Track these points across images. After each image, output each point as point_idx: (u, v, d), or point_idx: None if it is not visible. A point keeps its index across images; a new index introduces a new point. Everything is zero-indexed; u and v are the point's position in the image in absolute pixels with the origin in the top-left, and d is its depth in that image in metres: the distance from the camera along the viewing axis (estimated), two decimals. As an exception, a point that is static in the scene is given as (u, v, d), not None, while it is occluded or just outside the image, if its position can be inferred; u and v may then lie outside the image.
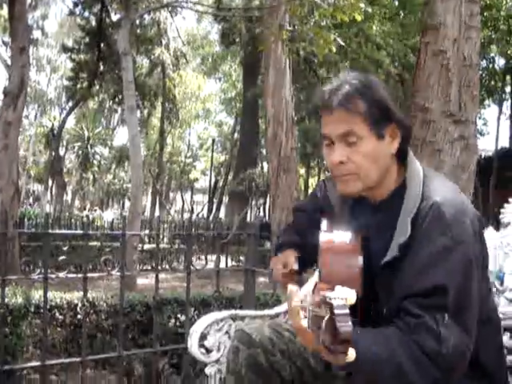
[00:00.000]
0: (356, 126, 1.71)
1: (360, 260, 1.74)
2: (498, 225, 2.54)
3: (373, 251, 1.78)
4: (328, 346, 1.16)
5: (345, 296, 1.23)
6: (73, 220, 16.26)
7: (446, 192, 1.72)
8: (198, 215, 42.67)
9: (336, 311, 1.15)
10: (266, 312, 2.75)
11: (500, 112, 33.57)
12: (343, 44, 9.89)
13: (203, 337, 2.49)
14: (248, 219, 25.30)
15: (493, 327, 1.83)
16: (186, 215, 44.30)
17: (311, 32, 8.44)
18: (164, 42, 26.45)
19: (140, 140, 11.89)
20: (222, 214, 37.15)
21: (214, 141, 36.23)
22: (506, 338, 2.26)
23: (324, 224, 2.08)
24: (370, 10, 11.42)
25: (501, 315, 2.17)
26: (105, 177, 47.66)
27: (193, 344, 2.46)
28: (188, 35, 35.29)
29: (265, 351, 1.90)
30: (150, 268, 10.13)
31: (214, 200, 40.53)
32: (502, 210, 2.57)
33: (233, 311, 2.67)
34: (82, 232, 3.24)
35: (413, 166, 1.81)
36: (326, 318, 1.16)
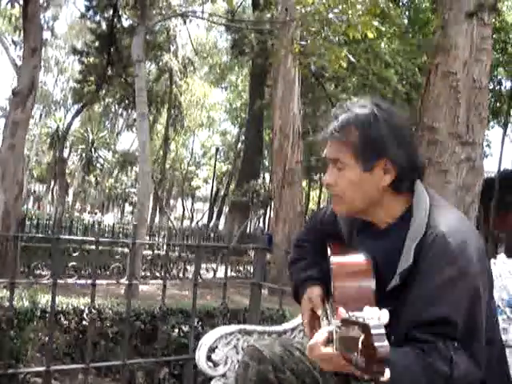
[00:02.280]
0: (343, 155, 1.81)
1: (373, 281, 1.77)
2: (509, 251, 2.54)
3: (379, 277, 1.79)
4: (364, 367, 1.16)
5: (377, 315, 1.25)
6: (75, 223, 16.24)
7: (451, 222, 1.74)
8: (197, 223, 42.69)
9: (373, 331, 1.15)
10: (274, 328, 2.75)
11: (504, 134, 33.62)
12: (353, 60, 9.92)
13: (211, 350, 2.50)
14: (248, 230, 25.29)
15: (497, 354, 1.83)
16: (186, 222, 44.33)
17: (323, 47, 8.47)
18: (172, 49, 26.53)
19: (149, 147, 11.84)
20: (221, 223, 37.17)
21: (217, 150, 36.24)
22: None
23: (330, 248, 2.10)
24: (382, 28, 11.46)
25: (510, 342, 2.18)
26: (107, 180, 47.66)
27: (201, 357, 2.46)
28: (197, 44, 35.37)
29: (275, 368, 1.91)
30: (157, 276, 10.09)
31: (215, 209, 40.54)
32: None
33: (241, 326, 2.68)
34: (93, 239, 3.22)
35: (419, 194, 1.82)
36: (361, 339, 1.16)
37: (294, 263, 2.24)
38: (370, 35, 7.61)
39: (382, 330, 1.16)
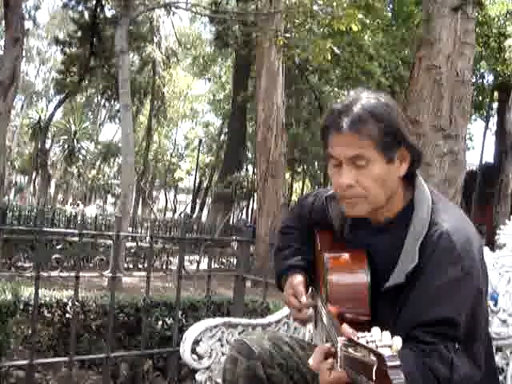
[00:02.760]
0: (365, 150, 1.68)
1: (368, 279, 1.74)
2: (493, 245, 2.55)
3: (375, 272, 1.76)
4: None
5: (390, 343, 1.20)
6: (57, 215, 16.12)
7: (455, 220, 1.72)
8: (180, 215, 42.57)
9: (388, 363, 1.11)
10: (259, 321, 2.75)
11: (486, 127, 33.82)
12: (338, 52, 9.93)
13: (196, 343, 2.50)
14: (231, 222, 25.30)
15: (488, 348, 1.84)
16: (169, 214, 44.22)
17: (308, 39, 8.47)
18: (156, 40, 26.39)
19: (133, 139, 11.74)
20: (204, 215, 37.09)
21: (200, 141, 36.14)
22: (497, 358, 2.28)
23: (319, 239, 2.08)
24: (367, 20, 11.46)
25: (494, 335, 2.19)
26: (89, 172, 47.39)
27: (185, 349, 2.46)
28: (180, 35, 35.20)
29: (263, 364, 1.89)
30: (140, 268, 10.03)
31: (197, 200, 40.46)
32: (498, 231, 2.57)
33: (226, 319, 2.67)
34: (77, 231, 3.20)
35: (421, 189, 1.79)
36: (375, 367, 1.13)
37: (279, 251, 2.18)
38: (355, 28, 7.63)
39: (398, 362, 1.12)
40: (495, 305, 2.37)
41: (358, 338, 1.23)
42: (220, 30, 16.65)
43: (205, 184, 41.60)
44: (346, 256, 1.84)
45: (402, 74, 16.87)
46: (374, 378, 1.12)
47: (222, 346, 2.56)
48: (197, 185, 40.21)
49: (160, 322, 3.83)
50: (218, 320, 2.61)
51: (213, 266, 11.03)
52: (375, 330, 1.25)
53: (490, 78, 27.29)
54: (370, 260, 1.79)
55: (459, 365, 1.57)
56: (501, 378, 2.22)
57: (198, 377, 2.49)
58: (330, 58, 8.81)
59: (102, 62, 20.53)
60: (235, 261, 15.10)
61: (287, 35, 8.93)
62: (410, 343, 1.56)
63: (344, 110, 1.71)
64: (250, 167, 40.08)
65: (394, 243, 1.73)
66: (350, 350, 1.25)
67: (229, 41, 16.82)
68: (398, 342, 1.21)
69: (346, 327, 1.36)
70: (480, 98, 27.35)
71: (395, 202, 1.80)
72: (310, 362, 1.46)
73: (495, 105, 30.92)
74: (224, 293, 6.28)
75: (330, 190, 2.03)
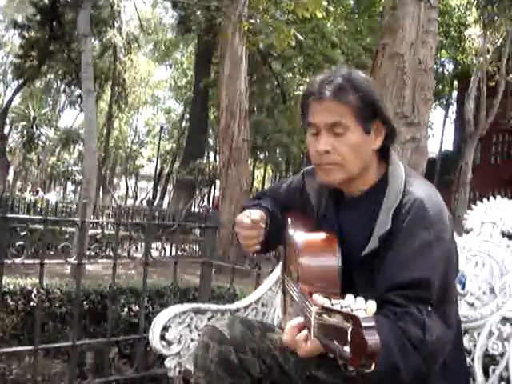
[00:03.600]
0: (345, 118, 1.75)
1: (339, 260, 1.76)
2: (461, 230, 2.59)
3: (352, 244, 1.80)
4: (350, 358, 1.14)
5: (364, 306, 1.22)
6: (16, 202, 15.85)
7: (427, 190, 1.77)
8: (141, 202, 42.29)
9: (363, 324, 1.12)
10: (227, 306, 2.74)
11: (446, 115, 34.36)
12: (301, 39, 9.92)
13: (164, 329, 2.48)
14: (192, 209, 25.21)
15: (457, 329, 1.87)
16: (130, 201, 43.87)
17: (272, 26, 8.44)
18: (117, 25, 26.05)
19: (96, 124, 11.55)
20: (165, 202, 36.93)
21: (162, 128, 35.84)
22: (465, 340, 2.31)
23: (290, 220, 2.09)
24: (331, 8, 11.49)
25: (462, 318, 2.22)
26: (49, 158, 46.66)
27: (154, 336, 2.43)
28: (142, 19, 34.79)
29: (236, 349, 1.89)
30: (103, 255, 9.88)
31: (159, 187, 40.25)
32: (465, 216, 2.61)
33: (194, 304, 2.65)
34: (41, 217, 3.14)
35: (395, 162, 1.84)
36: (349, 331, 1.14)
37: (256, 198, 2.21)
38: (319, 15, 7.60)
39: (373, 323, 1.14)
40: (463, 288, 2.40)
41: (332, 304, 1.24)
42: (183, 15, 16.49)
43: (166, 171, 41.38)
44: (317, 237, 1.87)
45: (364, 62, 16.96)
46: (349, 340, 1.13)
47: (190, 331, 2.55)
48: (158, 172, 39.99)
49: (126, 309, 3.79)
50: (187, 306, 2.59)
51: (174, 252, 10.97)
52: (349, 296, 1.27)
53: (450, 67, 27.69)
54: (345, 233, 1.84)
55: (431, 325, 1.61)
56: (468, 359, 2.26)
57: (168, 363, 2.47)
58: (293, 44, 8.79)
59: (62, 47, 20.18)
60: (197, 247, 15.10)
61: (252, 21, 8.87)
62: (383, 307, 1.59)
63: (326, 79, 1.78)
64: (212, 154, 40.02)
65: (369, 215, 1.78)
66: (325, 316, 1.25)
67: (191, 26, 16.69)
68: (372, 305, 1.24)
69: (318, 296, 1.37)
70: (440, 87, 27.71)
71: (369, 175, 1.85)
72: (285, 337, 1.47)
73: (455, 93, 31.44)
74: (189, 279, 6.25)
75: (303, 169, 2.11)
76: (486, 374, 2.29)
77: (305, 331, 1.41)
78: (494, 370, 2.27)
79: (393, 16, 7.82)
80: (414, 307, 1.61)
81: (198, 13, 15.75)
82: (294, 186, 2.16)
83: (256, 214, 1.93)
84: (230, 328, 1.93)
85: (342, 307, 1.21)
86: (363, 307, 1.21)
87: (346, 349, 1.14)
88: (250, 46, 11.30)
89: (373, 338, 1.12)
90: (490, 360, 2.42)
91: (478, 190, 32.39)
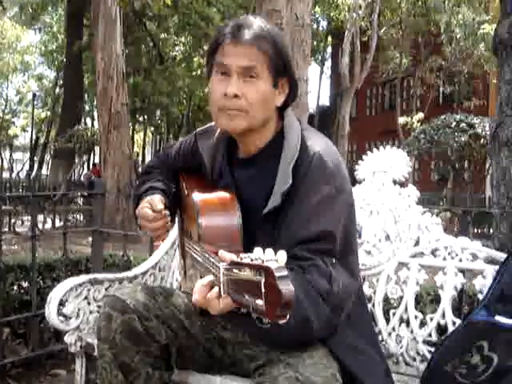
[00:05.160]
0: (259, 65, 1.72)
1: (239, 217, 1.76)
2: (353, 181, 2.63)
3: (251, 203, 1.79)
4: (265, 310, 1.12)
5: (275, 257, 1.21)
6: None
7: (324, 144, 1.78)
8: (18, 174, 40.59)
9: (276, 274, 1.10)
10: (124, 274, 2.67)
11: (321, 71, 35.13)
12: (177, -2, 9.72)
13: (61, 304, 2.37)
14: (73, 177, 24.42)
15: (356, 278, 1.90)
16: (6, 174, 42.01)
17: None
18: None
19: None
20: (43, 172, 35.63)
21: (34, 95, 34.31)
22: (365, 287, 2.38)
23: (184, 180, 2.05)
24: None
25: (361, 266, 2.27)
26: None
27: (51, 312, 2.33)
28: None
29: (140, 317, 1.82)
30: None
31: (35, 158, 38.80)
32: (356, 167, 2.66)
33: (91, 275, 2.56)
34: None
35: (290, 118, 1.84)
36: (262, 282, 1.11)
37: (139, 186, 2.12)
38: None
39: (285, 273, 1.12)
40: (359, 237, 2.46)
41: (241, 258, 1.22)
42: (50, -26, 15.70)
43: (42, 140, 39.86)
44: (215, 197, 1.85)
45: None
46: (263, 292, 1.11)
47: (88, 304, 2.46)
48: (34, 141, 38.51)
49: (15, 287, 3.59)
50: (83, 278, 2.49)
51: (59, 224, 10.61)
52: (257, 249, 1.27)
53: (324, 24, 28.19)
54: (244, 192, 1.83)
55: (337, 277, 1.65)
56: (369, 305, 2.33)
57: (67, 338, 2.38)
58: (169, 3, 8.59)
59: None
60: (81, 217, 14.69)
61: (125, -21, 8.58)
62: (289, 262, 1.58)
63: (243, 24, 1.75)
64: (89, 120, 38.91)
65: (268, 172, 1.77)
66: (234, 271, 1.22)
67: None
68: (282, 255, 1.23)
69: (224, 253, 1.34)
70: (315, 43, 28.21)
71: (267, 131, 1.83)
72: (195, 297, 1.42)
73: (329, 49, 32.17)
74: (78, 249, 6.06)
75: (195, 131, 2.08)
76: (386, 318, 2.37)
77: (215, 289, 1.37)
78: (394, 314, 2.35)
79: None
80: (320, 259, 1.63)
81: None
82: (184, 149, 2.11)
83: (156, 202, 1.89)
84: (131, 296, 1.85)
85: (252, 260, 1.19)
86: (274, 258, 1.20)
87: (260, 301, 1.12)
88: (124, 5, 10.91)
89: (287, 288, 1.10)
90: (389, 304, 2.51)
91: (355, 142, 33.59)
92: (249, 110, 1.74)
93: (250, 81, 1.73)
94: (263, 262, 1.16)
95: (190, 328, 1.89)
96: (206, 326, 1.89)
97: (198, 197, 1.85)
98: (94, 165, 27.28)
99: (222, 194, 1.85)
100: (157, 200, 1.90)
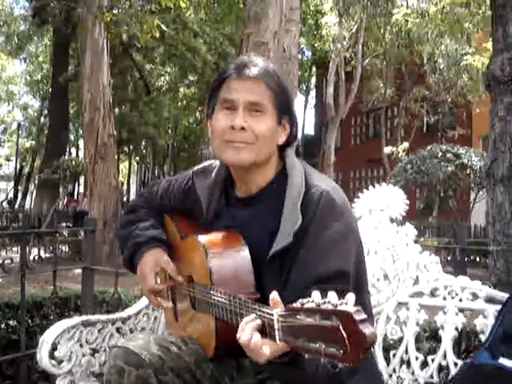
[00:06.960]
0: (265, 100, 1.74)
1: (248, 256, 1.74)
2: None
3: (254, 244, 1.75)
4: (345, 355, 1.11)
5: (345, 301, 1.18)
6: None
7: (330, 182, 1.77)
8: (1, 203, 40.29)
9: (357, 317, 1.10)
10: (118, 315, 2.62)
11: (306, 101, 35.40)
12: (165, 29, 9.77)
13: (53, 347, 2.31)
14: (58, 208, 24.22)
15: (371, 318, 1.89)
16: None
17: (135, 16, 8.24)
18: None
19: None
20: (27, 202, 35.36)
21: (19, 125, 34.24)
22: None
23: (175, 226, 2.00)
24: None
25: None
26: None
27: (43, 355, 2.26)
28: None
29: (155, 372, 1.75)
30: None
31: (19, 188, 38.57)
32: (352, 205, 2.63)
33: (84, 317, 2.51)
34: None
35: (292, 157, 1.83)
36: (342, 327, 1.11)
37: (128, 225, 2.05)
38: (182, 4, 7.53)
39: (365, 316, 1.12)
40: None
41: (302, 304, 1.20)
42: (38, 5, 15.70)
43: (27, 170, 39.65)
44: (220, 237, 1.81)
45: (226, 51, 17.01)
46: (344, 336, 1.10)
47: (81, 346, 2.40)
48: (18, 171, 38.30)
49: (3, 325, 3.51)
50: (76, 319, 2.43)
51: (44, 256, 10.43)
52: (315, 293, 1.24)
53: (308, 54, 28.46)
54: (245, 233, 1.79)
55: None
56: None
57: (60, 382, 2.31)
58: (157, 35, 8.63)
59: None
60: (67, 248, 14.51)
61: (115, 12, 8.60)
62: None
63: (248, 61, 1.78)
64: (74, 150, 38.79)
65: (271, 211, 1.75)
66: (290, 319, 1.21)
67: (47, 17, 15.93)
68: (351, 297, 1.20)
69: (276, 297, 1.33)
70: (300, 73, 28.45)
71: (269, 169, 1.82)
72: (243, 338, 1.36)
73: (313, 79, 32.42)
74: (66, 286, 5.94)
75: (192, 169, 2.02)
76: (387, 359, 2.33)
77: (258, 336, 1.34)
78: (394, 355, 2.32)
79: (254, 5, 7.87)
80: None
81: (54, 3, 15.05)
82: (175, 189, 2.05)
83: (171, 271, 1.89)
84: (145, 349, 1.77)
85: (318, 305, 1.17)
86: (344, 301, 1.18)
87: (333, 346, 1.12)
88: (112, 37, 10.94)
89: (370, 330, 1.11)
90: (389, 345, 2.48)
91: (341, 171, 33.70)
92: (255, 143, 1.73)
93: (256, 115, 1.73)
94: (336, 306, 1.15)
95: (200, 378, 1.83)
96: (215, 375, 1.84)
97: (203, 238, 1.80)
98: (79, 194, 27.16)
99: (227, 234, 1.81)
100: (172, 267, 1.90)
